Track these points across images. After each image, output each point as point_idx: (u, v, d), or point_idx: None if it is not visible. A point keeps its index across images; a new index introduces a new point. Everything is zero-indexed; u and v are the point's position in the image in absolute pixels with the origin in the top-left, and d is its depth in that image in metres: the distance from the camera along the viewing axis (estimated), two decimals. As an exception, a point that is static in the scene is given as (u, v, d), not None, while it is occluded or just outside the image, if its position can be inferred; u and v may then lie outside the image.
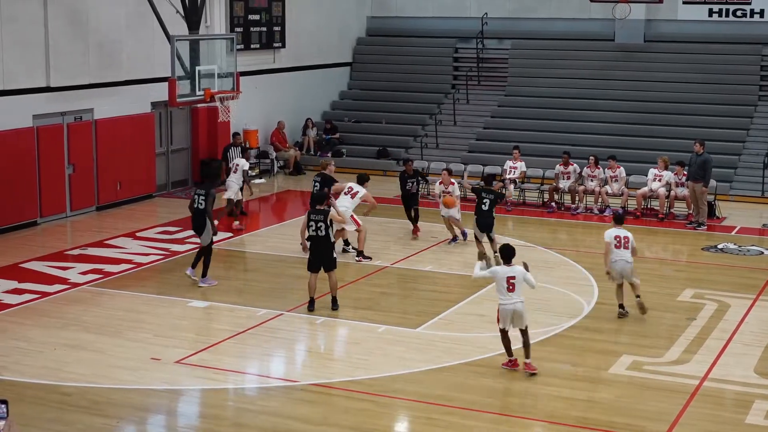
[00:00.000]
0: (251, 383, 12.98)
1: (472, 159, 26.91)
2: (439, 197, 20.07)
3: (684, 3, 29.29)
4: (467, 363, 13.45)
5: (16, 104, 20.60)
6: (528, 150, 25.76)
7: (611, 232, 15.68)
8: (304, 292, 15.86)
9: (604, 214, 23.04)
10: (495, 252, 18.11)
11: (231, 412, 12.05)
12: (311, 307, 15.52)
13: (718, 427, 11.59)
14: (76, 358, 13.48)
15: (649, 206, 23.06)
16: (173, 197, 24.68)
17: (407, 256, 19.00)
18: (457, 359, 13.50)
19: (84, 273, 17.61)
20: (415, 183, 21.00)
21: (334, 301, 15.63)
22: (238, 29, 26.79)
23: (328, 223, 15.32)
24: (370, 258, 18.58)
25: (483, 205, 18.16)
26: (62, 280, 17.16)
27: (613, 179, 23.30)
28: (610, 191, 23.22)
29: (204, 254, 16.85)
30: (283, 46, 28.97)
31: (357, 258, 18.53)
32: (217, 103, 23.21)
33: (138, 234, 20.62)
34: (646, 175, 23.19)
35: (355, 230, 18.41)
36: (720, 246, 20.26)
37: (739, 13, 28.91)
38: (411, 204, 20.76)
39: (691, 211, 22.34)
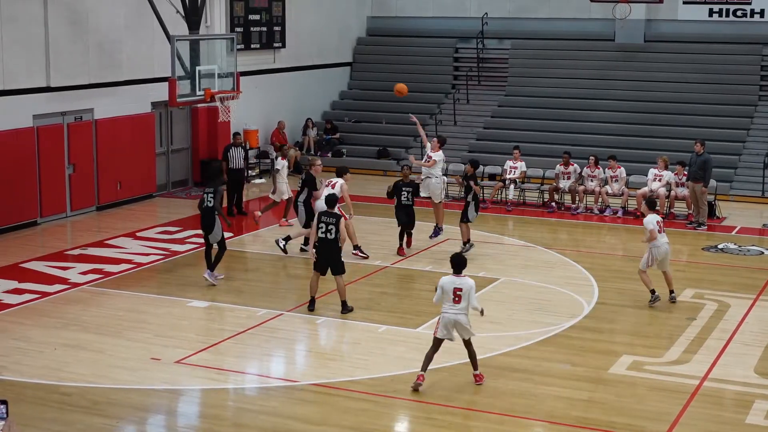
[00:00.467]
0: (251, 383, 12.98)
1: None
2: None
3: (684, 3, 29.30)
4: (467, 363, 13.43)
5: (16, 104, 20.60)
6: (528, 150, 25.76)
7: (653, 218, 16.03)
8: (304, 291, 15.87)
9: (604, 214, 23.05)
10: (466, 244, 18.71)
11: (231, 412, 12.05)
12: (311, 306, 15.52)
13: (718, 427, 11.59)
14: (76, 358, 13.48)
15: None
16: (173, 197, 24.69)
17: (407, 256, 19.01)
18: (457, 359, 13.49)
19: (84, 273, 17.61)
20: (409, 194, 19.05)
21: (345, 305, 15.54)
22: (238, 29, 26.80)
23: (339, 227, 15.30)
24: (367, 256, 18.54)
25: (404, 199, 18.72)
26: (62, 280, 17.16)
27: (614, 179, 23.31)
28: (610, 191, 23.22)
29: (218, 250, 16.93)
30: (283, 46, 28.97)
31: (354, 252, 18.46)
32: (217, 103, 23.22)
33: (138, 234, 20.62)
34: (646, 175, 23.19)
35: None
36: (720, 246, 20.26)
37: (739, 13, 28.91)
38: (404, 219, 19.04)
39: (691, 211, 22.35)
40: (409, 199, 19.00)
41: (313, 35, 30.39)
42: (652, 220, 16.02)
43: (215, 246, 17.01)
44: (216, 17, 25.87)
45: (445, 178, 19.99)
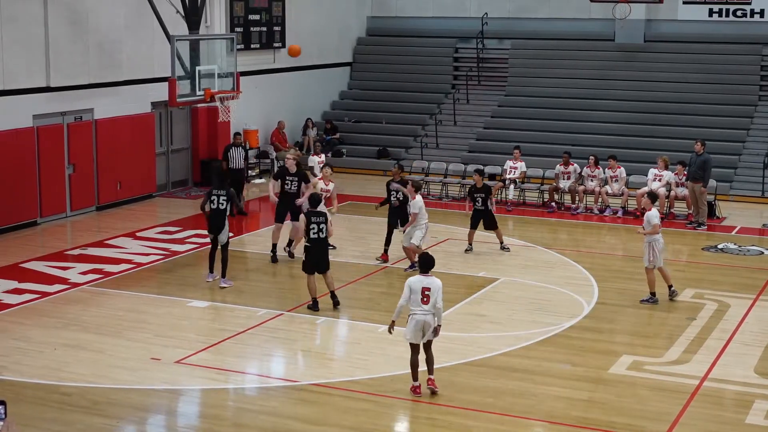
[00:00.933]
0: (251, 383, 12.98)
1: (472, 159, 26.91)
2: None
3: (684, 3, 29.30)
4: (467, 363, 13.46)
5: (16, 104, 20.61)
6: (528, 150, 25.76)
7: (657, 212, 16.15)
8: (304, 291, 15.87)
9: (604, 214, 23.05)
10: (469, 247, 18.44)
11: (231, 412, 12.05)
12: (316, 307, 15.52)
13: (718, 427, 11.59)
14: (76, 358, 13.48)
15: (645, 208, 23.03)
16: (173, 197, 24.69)
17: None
18: (457, 359, 13.51)
19: (84, 273, 17.61)
20: (400, 194, 18.37)
21: (335, 296, 15.66)
22: (238, 29, 26.80)
23: (328, 225, 15.40)
24: (334, 247, 18.39)
25: (392, 200, 18.44)
26: (62, 280, 17.16)
27: (613, 179, 23.31)
28: (610, 191, 23.22)
29: (222, 253, 16.91)
30: (283, 46, 28.95)
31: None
32: (217, 103, 23.22)
33: (138, 234, 20.62)
34: (646, 175, 23.19)
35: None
36: (720, 246, 20.26)
37: (739, 13, 28.91)
38: (391, 221, 18.44)
39: (690, 211, 22.35)
40: (400, 199, 18.41)
41: (313, 35, 30.38)
42: (657, 214, 16.09)
43: (216, 247, 17.05)
44: (216, 17, 25.87)
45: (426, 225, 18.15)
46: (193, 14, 22.78)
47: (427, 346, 12.25)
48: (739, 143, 26.55)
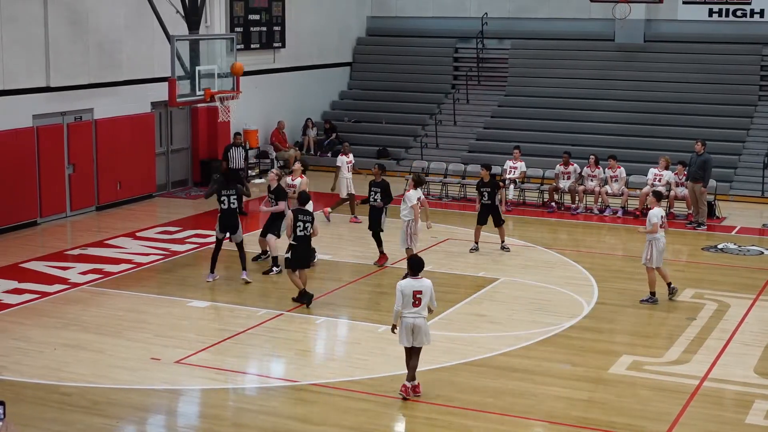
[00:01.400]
0: (251, 383, 12.98)
1: (472, 159, 26.91)
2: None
3: (684, 3, 29.30)
4: (467, 363, 13.45)
5: (16, 104, 20.60)
6: (528, 150, 25.76)
7: (659, 212, 16.21)
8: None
9: (604, 214, 23.05)
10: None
11: (231, 412, 12.05)
12: (304, 298, 15.64)
13: (718, 427, 11.59)
14: (76, 358, 13.48)
15: (648, 206, 23.02)
16: (173, 197, 24.69)
17: (407, 257, 18.97)
18: (457, 359, 13.51)
19: (84, 273, 17.61)
20: (378, 196, 18.31)
21: (305, 293, 15.84)
22: (238, 29, 26.80)
23: (314, 224, 15.70)
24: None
25: (371, 200, 18.50)
26: (62, 280, 17.16)
27: (614, 179, 23.31)
28: (610, 191, 23.22)
29: (239, 251, 17.13)
30: (283, 46, 28.97)
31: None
32: (217, 103, 23.22)
33: (138, 234, 20.62)
34: (646, 175, 23.19)
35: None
36: (720, 246, 20.26)
37: (739, 13, 28.91)
38: (374, 223, 18.34)
39: (690, 211, 22.34)
40: (377, 200, 18.39)
41: (313, 35, 30.39)
42: (657, 213, 16.12)
43: (220, 248, 17.15)
44: (216, 17, 25.87)
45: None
46: (193, 14, 22.78)
47: (416, 352, 12.14)
48: (739, 143, 26.55)
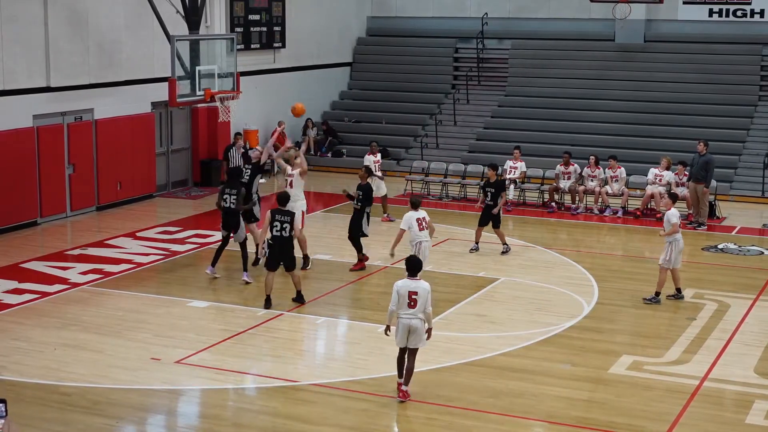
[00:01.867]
0: (251, 383, 12.98)
1: (472, 159, 26.92)
2: None
3: (684, 3, 29.32)
4: (467, 363, 13.45)
5: (16, 104, 20.60)
6: (528, 150, 25.76)
7: (677, 213, 16.14)
8: (304, 292, 15.89)
9: (604, 214, 23.05)
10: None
11: (231, 412, 12.05)
12: (267, 304, 15.56)
13: (718, 427, 11.59)
14: (76, 358, 13.48)
15: (649, 206, 23.06)
16: (173, 197, 24.69)
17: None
18: (457, 359, 13.50)
19: (84, 273, 17.61)
20: (358, 199, 17.84)
21: (300, 295, 15.77)
22: (238, 29, 26.80)
23: (294, 224, 15.47)
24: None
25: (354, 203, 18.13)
26: (62, 280, 17.15)
27: (614, 179, 23.31)
28: (610, 191, 23.22)
29: (241, 251, 17.14)
30: (283, 46, 28.97)
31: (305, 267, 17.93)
32: (217, 103, 23.21)
33: (138, 234, 20.62)
34: (646, 175, 23.20)
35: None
36: (720, 246, 20.26)
37: (739, 13, 28.91)
38: (355, 228, 17.98)
39: (690, 211, 22.34)
40: (358, 204, 18.01)
41: (313, 35, 30.39)
42: (676, 214, 16.11)
43: (226, 245, 17.23)
44: (216, 17, 25.87)
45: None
46: (193, 14, 22.77)
47: (411, 354, 12.08)
48: (739, 143, 26.55)
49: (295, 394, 12.39)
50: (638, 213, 22.71)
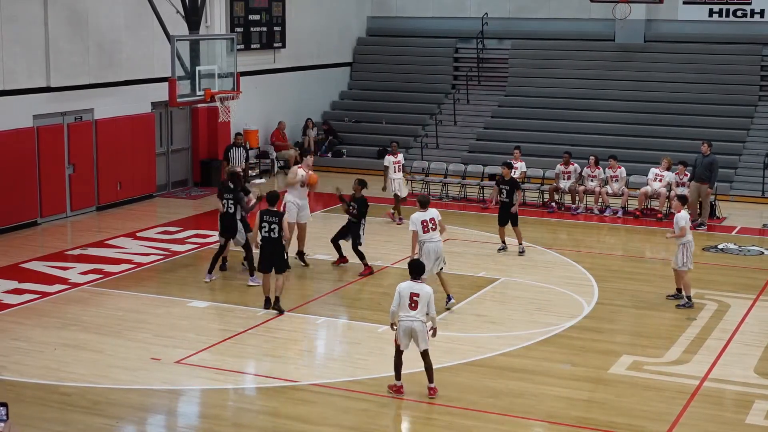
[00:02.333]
0: (251, 383, 12.98)
1: (472, 159, 26.92)
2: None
3: (684, 3, 29.31)
4: (467, 363, 13.45)
5: (16, 104, 20.60)
6: (528, 150, 25.74)
7: (686, 215, 16.13)
8: (304, 292, 15.96)
9: (604, 214, 23.05)
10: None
11: (231, 412, 12.05)
12: (267, 305, 15.51)
13: (718, 427, 11.59)
14: (76, 358, 13.48)
15: (649, 206, 23.06)
16: (173, 197, 24.68)
17: (407, 257, 18.95)
18: (457, 359, 13.51)
19: (84, 273, 17.60)
20: (352, 214, 17.72)
21: (278, 301, 15.48)
22: (238, 29, 26.79)
23: (282, 225, 15.29)
24: (307, 264, 18.22)
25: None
26: (62, 280, 17.15)
27: (614, 179, 23.30)
28: (610, 191, 23.21)
29: (245, 253, 17.06)
30: (283, 46, 28.97)
31: (302, 262, 18.05)
32: (218, 103, 23.21)
33: (138, 234, 20.61)
34: (647, 175, 23.19)
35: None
36: (720, 246, 20.26)
37: (739, 13, 28.91)
38: (354, 239, 17.80)
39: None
40: (355, 219, 17.80)
41: (313, 35, 30.39)
42: (685, 216, 16.06)
43: (222, 252, 17.21)
44: (216, 17, 25.87)
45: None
46: (193, 14, 22.77)
47: (424, 354, 12.15)
48: (739, 143, 26.55)
49: (295, 394, 12.39)
50: (638, 213, 22.71)
